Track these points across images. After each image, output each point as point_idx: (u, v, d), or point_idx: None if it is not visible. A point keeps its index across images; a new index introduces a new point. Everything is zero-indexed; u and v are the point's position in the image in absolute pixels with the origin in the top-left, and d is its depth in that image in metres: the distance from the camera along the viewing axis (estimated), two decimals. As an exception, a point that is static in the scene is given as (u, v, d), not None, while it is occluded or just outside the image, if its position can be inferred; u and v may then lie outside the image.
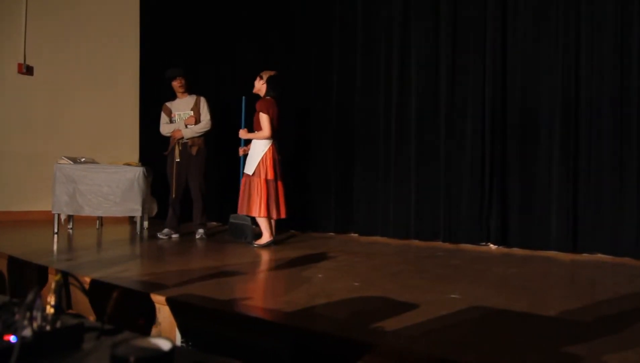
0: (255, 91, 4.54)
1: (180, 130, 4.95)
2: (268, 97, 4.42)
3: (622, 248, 3.93)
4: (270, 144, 4.37)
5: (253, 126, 4.46)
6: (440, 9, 4.85)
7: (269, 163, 4.32)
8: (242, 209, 4.41)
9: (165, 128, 5.08)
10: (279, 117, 4.45)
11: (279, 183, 4.42)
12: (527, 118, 4.41)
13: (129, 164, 5.31)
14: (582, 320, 2.16)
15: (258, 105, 4.39)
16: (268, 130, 4.31)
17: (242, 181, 4.45)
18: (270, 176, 4.31)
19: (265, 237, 4.36)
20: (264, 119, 4.31)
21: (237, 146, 4.82)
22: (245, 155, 4.59)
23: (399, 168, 5.07)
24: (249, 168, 4.37)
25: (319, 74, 5.69)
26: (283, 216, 4.45)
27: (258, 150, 4.36)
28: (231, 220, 4.73)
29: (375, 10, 5.30)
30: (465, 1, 4.73)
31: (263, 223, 4.35)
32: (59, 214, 5.20)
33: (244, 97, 4.80)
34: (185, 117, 4.99)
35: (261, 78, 4.48)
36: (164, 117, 5.10)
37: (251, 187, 4.32)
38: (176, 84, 5.01)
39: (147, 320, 2.33)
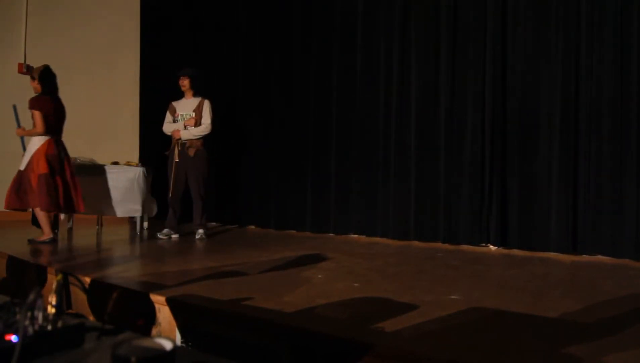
0: (34, 92, 4.48)
1: (179, 130, 4.95)
2: (41, 95, 4.39)
3: (622, 249, 3.93)
4: (45, 140, 4.34)
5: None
6: (441, 8, 4.86)
7: (42, 157, 4.28)
8: (14, 204, 4.28)
9: (167, 127, 5.09)
10: (57, 112, 4.42)
11: (58, 178, 4.36)
12: (527, 119, 4.41)
13: (129, 164, 5.31)
14: (582, 321, 2.16)
15: (30, 103, 4.37)
16: (40, 126, 4.30)
17: (15, 176, 4.36)
18: (42, 170, 4.26)
19: (46, 233, 4.32)
20: (36, 116, 4.31)
21: (235, 148, 4.80)
22: None
23: (398, 168, 5.07)
24: (22, 163, 4.34)
25: (318, 74, 5.69)
26: (80, 209, 4.43)
27: (32, 146, 4.35)
28: None
29: (375, 10, 5.31)
30: (465, 0, 4.74)
31: (42, 219, 4.33)
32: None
33: (14, 105, 4.61)
34: (187, 118, 5.00)
35: (33, 78, 4.43)
36: (168, 116, 5.11)
37: (24, 181, 4.27)
38: (180, 83, 5.03)
39: (147, 320, 2.33)
